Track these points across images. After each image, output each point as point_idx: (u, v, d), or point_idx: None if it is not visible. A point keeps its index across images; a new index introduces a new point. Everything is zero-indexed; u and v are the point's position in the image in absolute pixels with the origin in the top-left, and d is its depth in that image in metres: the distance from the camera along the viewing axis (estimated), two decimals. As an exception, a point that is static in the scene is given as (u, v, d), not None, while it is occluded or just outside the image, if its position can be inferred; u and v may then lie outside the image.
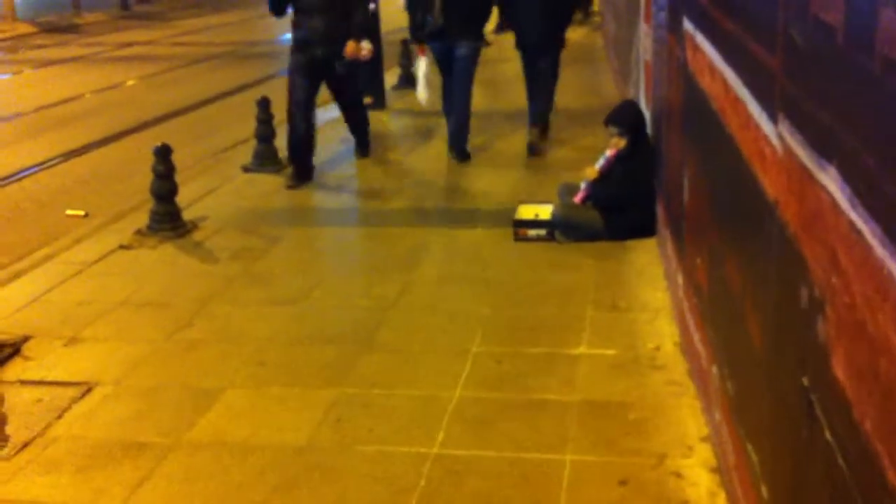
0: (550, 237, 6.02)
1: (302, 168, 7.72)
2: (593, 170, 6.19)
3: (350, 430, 3.89)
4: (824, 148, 2.00)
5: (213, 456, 3.74)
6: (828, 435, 1.96)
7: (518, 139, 8.51)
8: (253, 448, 3.77)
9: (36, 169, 8.99)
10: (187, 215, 6.69)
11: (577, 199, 6.18)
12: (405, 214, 6.89)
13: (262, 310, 5.17)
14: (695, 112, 4.13)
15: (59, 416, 4.10)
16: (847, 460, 1.84)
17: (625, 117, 6.20)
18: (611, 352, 4.44)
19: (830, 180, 1.94)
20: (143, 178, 6.80)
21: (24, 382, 4.46)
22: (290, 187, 7.58)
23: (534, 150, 8.17)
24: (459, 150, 8.15)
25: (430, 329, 4.81)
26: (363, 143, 8.46)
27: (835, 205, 1.90)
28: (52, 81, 14.82)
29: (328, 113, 9.34)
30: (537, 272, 5.56)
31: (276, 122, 8.30)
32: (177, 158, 6.65)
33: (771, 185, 2.53)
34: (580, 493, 3.37)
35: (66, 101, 12.78)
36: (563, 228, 6.02)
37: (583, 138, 8.49)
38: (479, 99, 8.80)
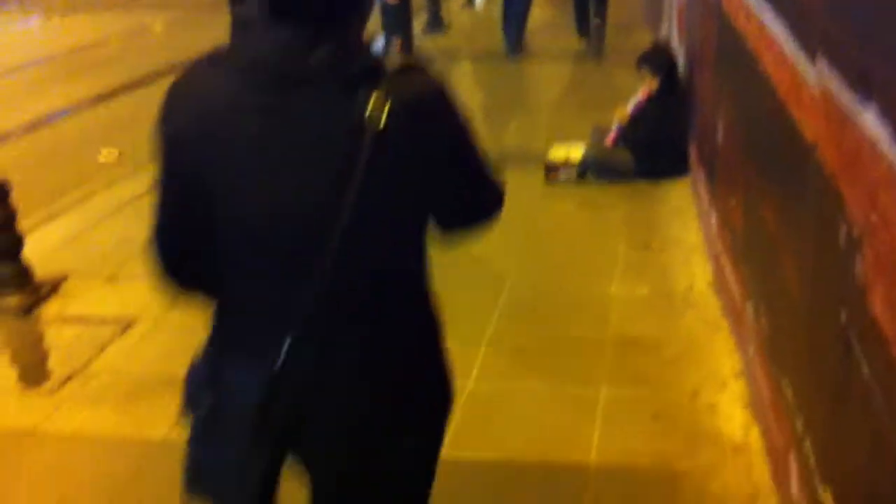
0: (582, 178, 6.03)
1: None
2: (624, 111, 6.18)
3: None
4: (863, 87, 2.01)
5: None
6: (865, 372, 2.00)
7: (551, 80, 8.48)
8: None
9: (69, 112, 9.04)
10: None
11: (609, 140, 6.18)
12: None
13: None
14: (729, 53, 4.11)
15: (101, 352, 4.20)
16: (886, 397, 1.88)
17: (656, 59, 6.17)
18: (644, 290, 4.48)
19: (870, 120, 1.96)
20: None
21: (64, 319, 4.56)
22: None
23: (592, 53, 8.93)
24: (513, 43, 9.27)
25: (463, 269, 4.85)
26: None
27: (874, 144, 1.92)
28: (81, 26, 14.80)
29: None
30: (569, 212, 5.59)
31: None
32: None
33: (808, 125, 2.54)
34: (614, 426, 3.43)
35: (95, 45, 12.77)
36: (594, 169, 6.03)
37: (615, 79, 8.44)
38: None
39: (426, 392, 1.90)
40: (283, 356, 1.70)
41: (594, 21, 9.34)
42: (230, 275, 1.84)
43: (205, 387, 1.88)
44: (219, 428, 1.84)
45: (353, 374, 1.78)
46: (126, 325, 4.42)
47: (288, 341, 1.71)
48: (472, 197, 1.86)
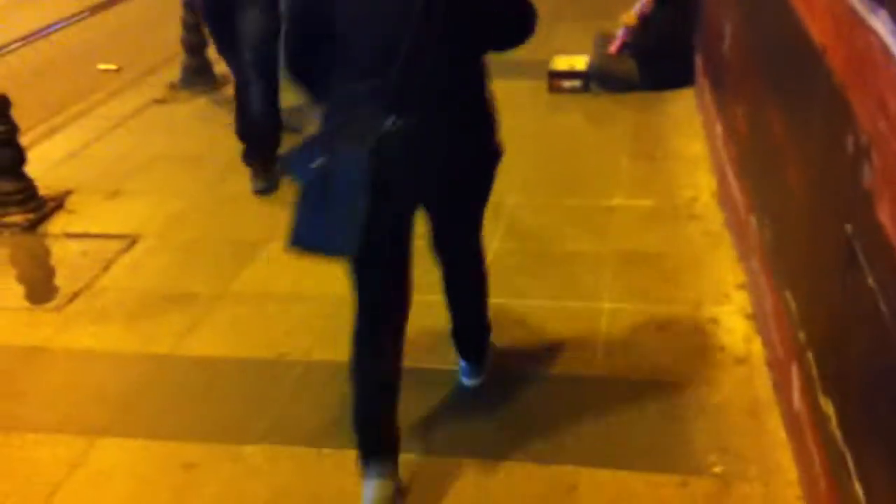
0: (585, 88, 5.96)
1: None
2: (631, 15, 6.07)
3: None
4: (876, -10, 1.96)
5: (258, 305, 3.84)
6: (870, 280, 1.99)
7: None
8: (297, 298, 3.86)
9: (64, 23, 8.89)
10: (219, 69, 6.65)
11: (613, 48, 6.08)
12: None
13: (298, 163, 5.19)
14: (738, -44, 4.02)
15: (106, 268, 4.21)
16: (889, 305, 1.87)
17: None
18: (647, 202, 4.46)
19: (881, 24, 1.91)
20: (173, 30, 6.73)
21: (69, 236, 4.57)
22: None
23: None
24: None
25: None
26: None
27: (885, 49, 1.88)
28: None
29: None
30: (573, 123, 5.54)
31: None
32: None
33: (818, 30, 2.49)
34: (618, 338, 3.45)
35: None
36: (598, 79, 5.95)
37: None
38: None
39: (491, 141, 2.74)
40: (387, 125, 2.41)
41: None
42: (340, 70, 2.52)
43: (317, 158, 2.44)
44: (328, 188, 2.42)
45: (448, 129, 2.55)
46: (131, 242, 4.42)
47: (392, 119, 2.41)
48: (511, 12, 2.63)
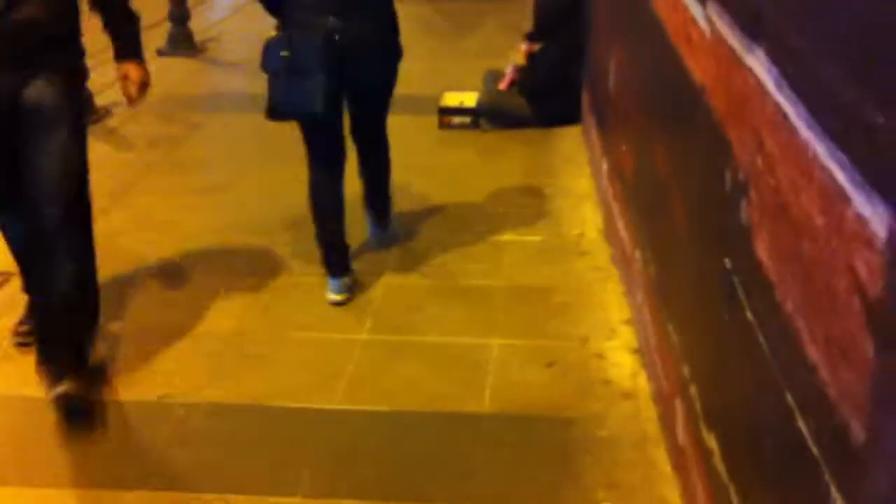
0: (475, 125, 5.99)
1: None
2: (520, 53, 6.15)
3: (278, 317, 3.89)
4: (752, 30, 2.00)
5: (140, 343, 3.71)
6: (749, 315, 2.01)
7: (442, 30, 8.38)
8: (181, 335, 3.74)
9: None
10: (100, 101, 6.48)
11: (503, 85, 6.14)
12: (328, 101, 6.78)
13: (183, 198, 5.08)
14: (622, -4, 4.09)
15: (-23, 307, 4.02)
16: (767, 338, 1.89)
17: (542, 30, 6.19)
18: (536, 238, 4.48)
19: (758, 63, 1.95)
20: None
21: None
22: None
23: None
24: None
25: (357, 216, 4.79)
26: None
27: (761, 87, 1.91)
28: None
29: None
30: (463, 159, 5.55)
31: (189, 2, 8.06)
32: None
33: (698, 69, 2.53)
34: (507, 375, 3.44)
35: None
36: (488, 115, 5.99)
37: (509, 23, 8.39)
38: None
39: (397, 43, 3.96)
40: (331, 24, 3.64)
41: None
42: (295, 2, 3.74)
43: (281, 48, 3.67)
44: (294, 70, 3.62)
45: (370, 32, 3.77)
46: (4, 279, 4.23)
47: (332, 20, 3.65)
48: None
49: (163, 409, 3.33)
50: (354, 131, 4.10)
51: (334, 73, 3.63)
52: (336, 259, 4.00)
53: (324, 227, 4.00)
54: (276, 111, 3.75)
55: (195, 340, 3.72)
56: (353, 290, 3.99)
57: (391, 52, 3.94)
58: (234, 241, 4.55)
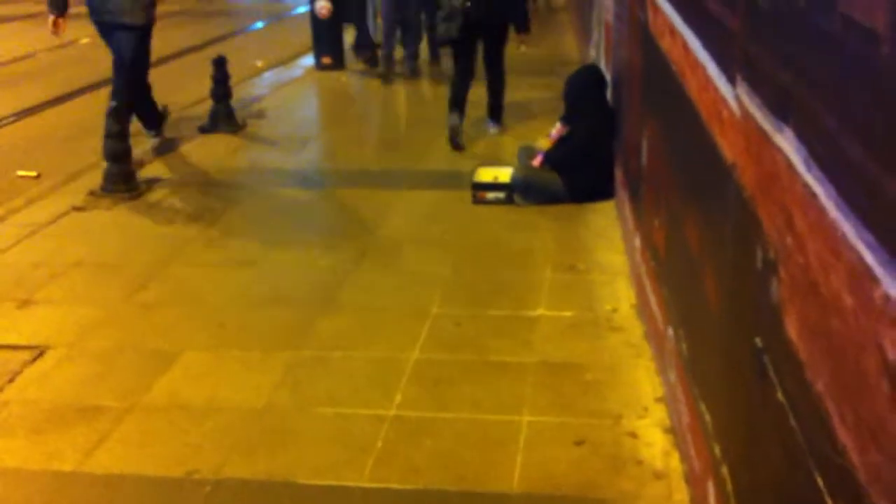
0: (509, 200, 6.02)
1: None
2: (546, 140, 6.29)
3: (308, 391, 3.88)
4: (781, 109, 2.00)
5: (170, 419, 3.72)
6: (780, 395, 1.98)
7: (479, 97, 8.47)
8: (211, 410, 3.75)
9: (-11, 127, 8.82)
10: (141, 176, 6.60)
11: (536, 162, 6.18)
12: (364, 176, 6.86)
13: (219, 271, 5.13)
14: (654, 74, 4.12)
15: (11, 380, 4.05)
16: (798, 420, 1.86)
17: (570, 108, 6.34)
18: (568, 313, 4.46)
19: (786, 142, 1.95)
20: (97, 138, 6.67)
21: (-26, 346, 4.40)
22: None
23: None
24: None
25: (389, 291, 4.80)
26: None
27: (790, 166, 1.91)
28: (5, 39, 14.49)
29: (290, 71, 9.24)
30: (496, 234, 5.57)
31: (232, 81, 8.22)
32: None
33: (729, 147, 2.53)
34: (537, 453, 3.39)
35: (19, 58, 12.53)
36: (522, 191, 6.02)
37: (543, 103, 8.48)
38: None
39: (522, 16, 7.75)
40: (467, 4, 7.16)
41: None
42: None
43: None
44: (450, 23, 7.20)
45: (497, 12, 7.37)
46: (39, 353, 4.27)
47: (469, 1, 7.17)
48: None
49: (191, 485, 3.32)
50: (484, 60, 7.50)
51: (467, 27, 7.10)
52: (458, 105, 7.37)
53: (457, 92, 7.35)
54: (442, 39, 7.48)
55: (225, 415, 3.72)
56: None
57: (511, 18, 7.51)
58: (267, 314, 4.57)
